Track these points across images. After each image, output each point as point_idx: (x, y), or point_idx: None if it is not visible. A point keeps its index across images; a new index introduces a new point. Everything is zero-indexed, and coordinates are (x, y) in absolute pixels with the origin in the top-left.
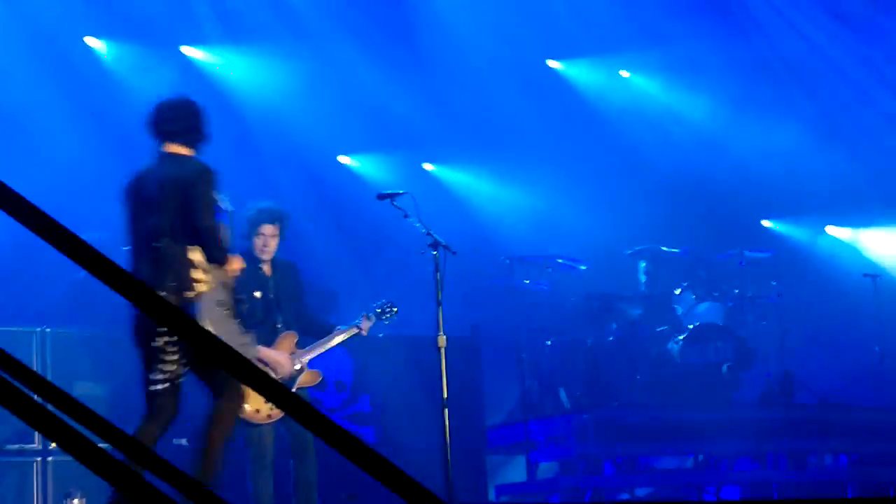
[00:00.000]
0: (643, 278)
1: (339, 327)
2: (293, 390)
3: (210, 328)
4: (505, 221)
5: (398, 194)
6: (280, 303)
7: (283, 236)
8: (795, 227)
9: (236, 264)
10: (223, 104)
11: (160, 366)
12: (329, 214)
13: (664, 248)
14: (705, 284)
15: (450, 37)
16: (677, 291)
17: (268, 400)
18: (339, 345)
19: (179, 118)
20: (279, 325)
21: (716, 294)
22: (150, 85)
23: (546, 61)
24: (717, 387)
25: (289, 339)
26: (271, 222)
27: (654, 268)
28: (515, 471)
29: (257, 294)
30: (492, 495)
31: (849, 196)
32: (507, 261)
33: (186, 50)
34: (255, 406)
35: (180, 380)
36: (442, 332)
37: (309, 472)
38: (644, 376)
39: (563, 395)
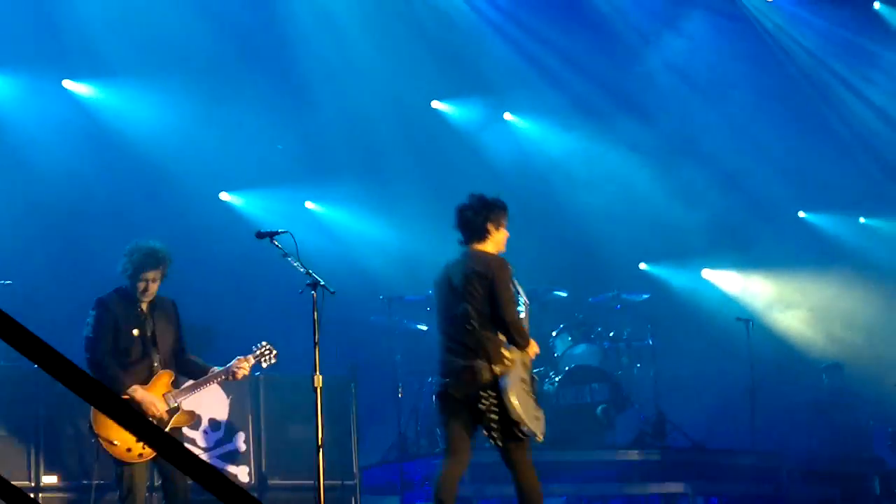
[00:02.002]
0: None
1: (214, 368)
2: (167, 429)
3: (514, 399)
4: (385, 261)
5: (277, 233)
6: (157, 341)
7: (164, 278)
8: (672, 270)
9: (535, 349)
10: (105, 140)
11: (491, 423)
12: (209, 252)
13: (542, 290)
14: (582, 326)
15: (334, 76)
16: (554, 333)
17: (139, 439)
18: (215, 383)
19: (469, 222)
20: (156, 364)
21: (592, 336)
22: (33, 119)
23: (430, 102)
24: (592, 428)
25: (165, 378)
26: (155, 267)
27: (532, 309)
28: None
29: (135, 332)
30: None
31: (725, 241)
32: (386, 300)
33: (69, 84)
34: (127, 444)
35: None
36: (318, 372)
37: None
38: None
39: (439, 435)
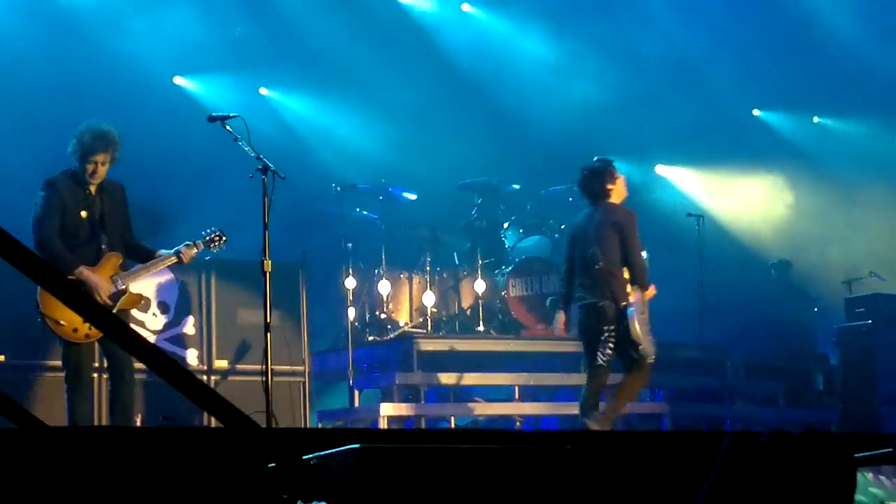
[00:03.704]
0: (473, 211)
1: (161, 252)
2: (115, 311)
3: (637, 325)
4: (338, 150)
5: (229, 117)
6: (105, 224)
7: (113, 161)
8: (626, 164)
9: (653, 291)
10: (58, 20)
11: (602, 351)
12: (161, 136)
13: (495, 182)
14: (533, 219)
15: None
16: (506, 225)
17: (85, 320)
18: (163, 267)
19: (590, 188)
20: (104, 246)
21: (543, 229)
22: None
23: None
24: (542, 320)
25: (113, 260)
26: (105, 150)
27: (484, 201)
28: (337, 397)
29: (83, 214)
30: (313, 420)
31: (680, 137)
32: (338, 188)
33: None
34: (74, 325)
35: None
36: (267, 257)
37: (126, 392)
38: (461, 307)
39: (389, 323)
